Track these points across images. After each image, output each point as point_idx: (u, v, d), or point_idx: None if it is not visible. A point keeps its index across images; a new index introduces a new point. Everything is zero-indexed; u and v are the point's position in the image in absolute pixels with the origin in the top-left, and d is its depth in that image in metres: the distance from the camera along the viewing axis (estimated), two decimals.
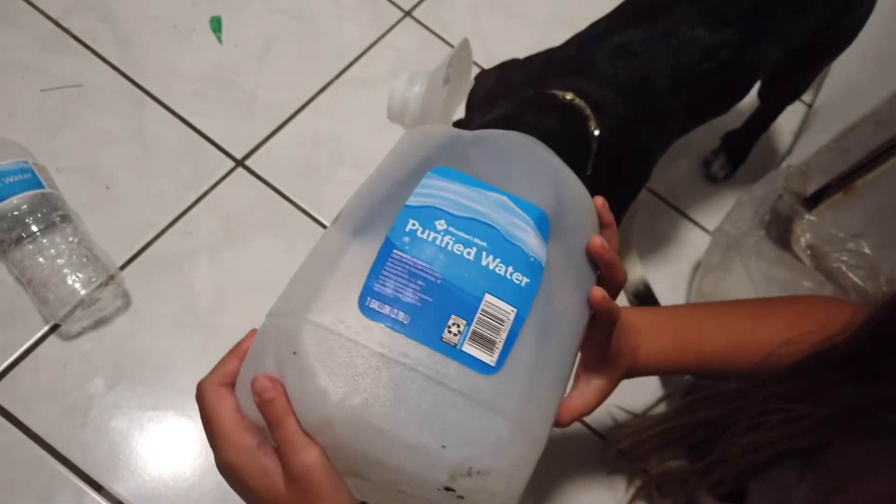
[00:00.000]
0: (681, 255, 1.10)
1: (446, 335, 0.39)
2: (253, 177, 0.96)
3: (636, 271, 1.04)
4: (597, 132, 0.67)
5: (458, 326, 0.39)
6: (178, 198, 0.91)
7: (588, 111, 0.67)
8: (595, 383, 0.54)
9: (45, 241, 0.78)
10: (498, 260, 0.41)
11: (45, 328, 0.80)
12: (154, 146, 0.94)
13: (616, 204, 0.81)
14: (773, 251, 1.03)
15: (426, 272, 0.40)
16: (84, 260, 0.80)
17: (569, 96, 0.68)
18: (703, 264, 1.04)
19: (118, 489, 0.74)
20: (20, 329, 0.80)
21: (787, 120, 1.21)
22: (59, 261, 0.78)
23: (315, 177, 0.98)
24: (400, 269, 0.40)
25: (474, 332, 0.39)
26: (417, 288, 0.40)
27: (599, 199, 0.50)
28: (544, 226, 0.44)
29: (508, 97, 0.70)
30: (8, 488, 0.73)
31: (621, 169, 0.73)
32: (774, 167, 1.10)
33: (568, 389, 0.49)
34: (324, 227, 0.95)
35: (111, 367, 0.80)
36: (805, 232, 1.03)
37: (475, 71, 0.91)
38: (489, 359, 0.39)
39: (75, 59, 0.97)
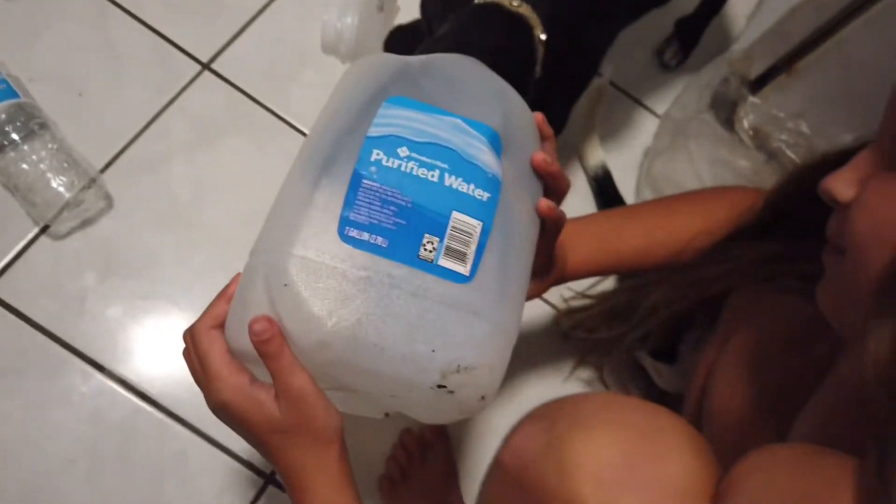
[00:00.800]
0: (636, 140, 1.15)
1: (422, 253, 0.44)
2: (220, 80, 0.99)
3: (597, 156, 1.10)
4: (543, 37, 0.69)
5: (433, 244, 0.44)
6: (150, 103, 0.95)
7: (533, 18, 0.68)
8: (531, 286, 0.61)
9: (26, 147, 0.83)
10: (460, 179, 0.45)
11: (36, 230, 0.87)
12: (122, 53, 0.97)
13: (566, 99, 0.86)
14: (714, 133, 1.10)
15: (396, 197, 0.44)
16: (65, 165, 0.85)
17: (515, 3, 0.67)
18: (651, 149, 1.10)
19: (119, 369, 0.83)
20: (13, 231, 0.86)
21: (742, 4, 1.24)
22: (41, 166, 0.83)
23: (281, 78, 1.02)
24: (372, 197, 0.44)
25: (447, 247, 0.44)
26: (390, 213, 0.44)
27: (539, 115, 0.54)
28: (496, 143, 0.47)
29: (457, 6, 0.73)
30: (19, 374, 0.81)
31: (568, 66, 0.77)
32: (727, 52, 1.14)
33: None
34: (292, 126, 1.00)
35: (101, 262, 0.87)
36: (748, 114, 1.09)
37: None
38: (463, 269, 0.44)
39: None
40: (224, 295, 0.48)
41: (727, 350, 0.66)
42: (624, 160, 1.13)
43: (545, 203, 0.50)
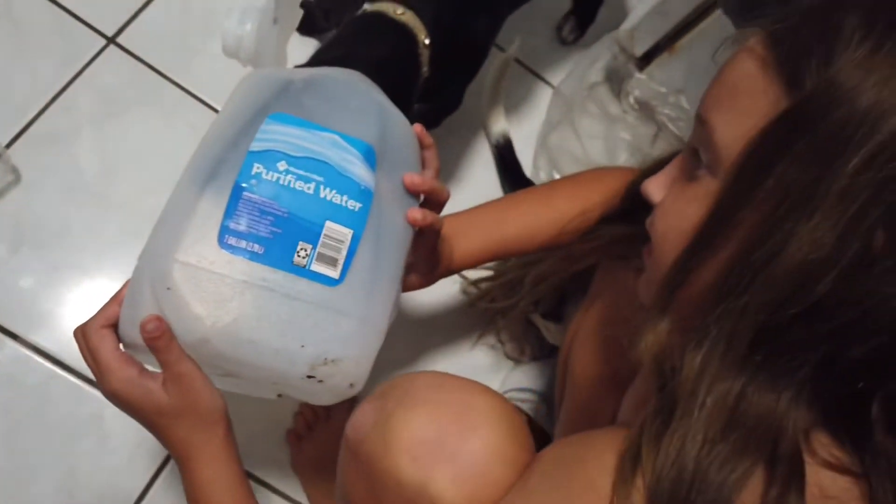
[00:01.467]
0: (535, 112, 1.22)
1: (296, 259, 0.49)
2: (125, 53, 1.01)
3: (500, 125, 1.17)
4: (427, 41, 0.71)
5: (306, 251, 0.50)
6: (55, 76, 0.97)
7: (417, 25, 0.70)
8: (416, 280, 0.66)
9: None
10: (334, 191, 0.50)
11: None
12: (25, 27, 0.98)
13: (459, 81, 0.91)
14: (605, 108, 1.18)
15: (274, 208, 0.49)
16: None
17: (399, 11, 0.69)
18: (546, 121, 1.18)
19: (33, 337, 0.87)
20: None
21: None
22: None
23: (187, 50, 1.05)
24: (251, 207, 0.49)
25: (319, 254, 0.50)
26: (268, 222, 0.49)
27: (418, 127, 0.59)
28: (371, 157, 0.52)
29: (344, 14, 0.75)
30: None
31: (458, 56, 0.81)
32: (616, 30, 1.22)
33: None
34: (198, 99, 1.03)
35: (11, 234, 0.90)
36: (634, 89, 1.18)
37: None
38: (333, 273, 0.50)
39: None
40: (115, 298, 0.53)
41: (588, 317, 0.75)
42: (524, 131, 1.20)
43: (414, 213, 0.55)
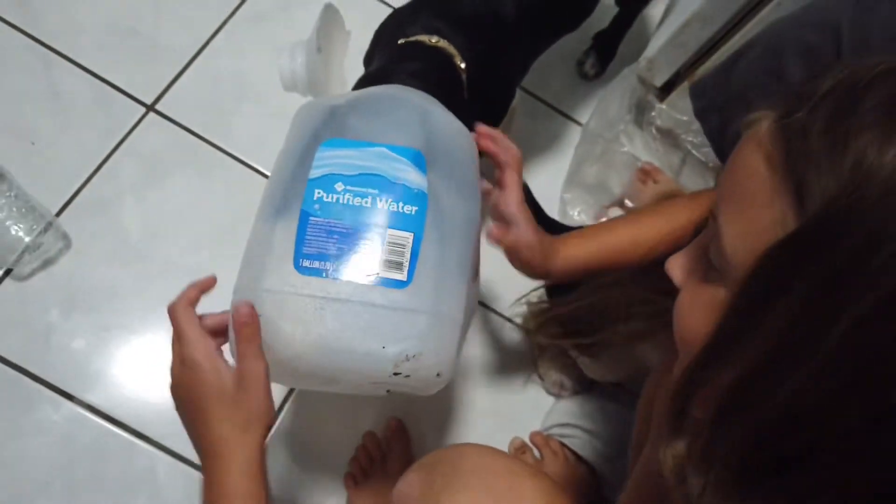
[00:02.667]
0: (561, 149, 1.24)
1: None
2: (164, 119, 1.07)
3: None
4: (463, 65, 0.74)
5: None
6: (99, 146, 1.02)
7: (452, 50, 0.74)
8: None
9: None
10: (390, 200, 0.54)
11: (0, 273, 0.93)
12: (68, 101, 1.04)
13: (489, 124, 0.93)
14: (633, 139, 1.19)
15: (338, 227, 0.53)
16: (23, 211, 0.92)
17: (433, 40, 0.74)
18: (574, 158, 1.19)
19: (87, 396, 0.90)
20: None
21: (654, 19, 1.33)
22: (0, 215, 0.90)
23: (222, 112, 1.10)
24: (318, 230, 0.53)
25: (385, 261, 0.53)
26: (335, 241, 0.53)
27: (482, 127, 0.63)
28: (420, 161, 0.55)
29: (384, 49, 0.79)
30: None
31: (488, 95, 0.84)
32: (635, 63, 1.24)
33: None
34: (234, 158, 1.07)
35: (63, 298, 0.94)
36: (656, 119, 1.19)
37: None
38: (401, 276, 0.53)
39: None
40: (197, 284, 0.61)
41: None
42: (549, 169, 1.22)
43: (494, 234, 0.61)
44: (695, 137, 1.19)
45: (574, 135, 1.24)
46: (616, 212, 1.20)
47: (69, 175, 1.00)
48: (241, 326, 0.53)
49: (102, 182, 1.01)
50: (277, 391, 0.97)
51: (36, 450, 0.87)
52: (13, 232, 0.90)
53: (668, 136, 1.23)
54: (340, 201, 0.53)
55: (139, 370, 0.93)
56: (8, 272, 0.93)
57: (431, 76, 0.69)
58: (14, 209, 0.92)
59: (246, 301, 0.54)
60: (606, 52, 1.27)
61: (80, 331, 0.93)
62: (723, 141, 0.80)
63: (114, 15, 1.10)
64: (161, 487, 0.88)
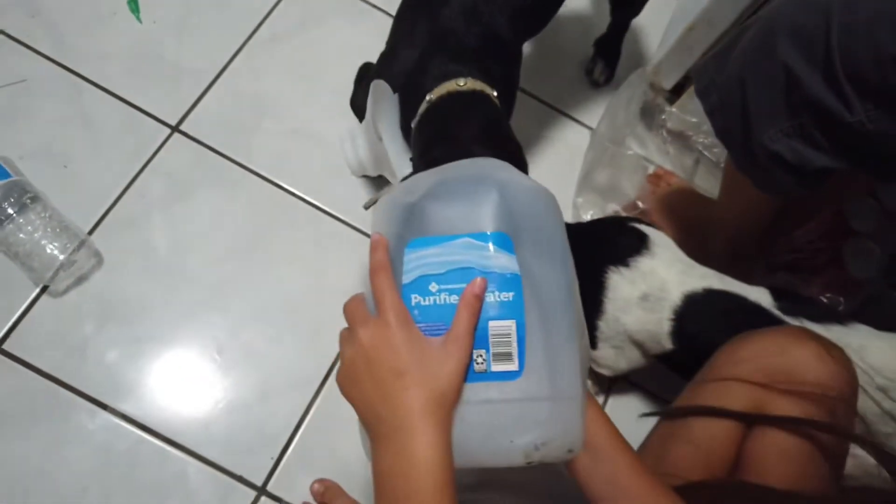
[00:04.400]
0: (572, 154, 1.26)
1: (476, 367, 0.51)
2: (189, 139, 1.11)
3: None
4: (495, 93, 0.73)
5: (482, 356, 0.51)
6: (127, 167, 1.07)
7: (483, 86, 0.72)
8: None
9: (21, 220, 0.95)
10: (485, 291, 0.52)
11: (37, 290, 0.98)
12: (98, 124, 1.09)
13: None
14: (644, 142, 1.21)
15: (441, 328, 0.51)
16: (57, 231, 0.97)
17: (462, 83, 0.71)
18: (585, 162, 1.21)
19: (121, 406, 0.94)
20: (17, 294, 0.97)
21: (658, 24, 1.35)
22: (36, 234, 0.95)
23: (243, 131, 1.14)
24: (425, 336, 0.53)
25: (494, 354, 0.51)
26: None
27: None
28: (506, 242, 0.53)
29: (413, 107, 0.74)
30: (34, 418, 0.92)
31: (507, 107, 0.83)
32: (642, 68, 1.26)
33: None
34: (256, 174, 1.11)
35: (97, 313, 0.98)
36: (666, 121, 1.21)
37: None
38: (512, 367, 0.51)
39: (15, 56, 1.10)
40: (379, 244, 0.55)
41: None
42: (562, 172, 1.24)
43: None
44: (705, 138, 1.20)
45: (584, 140, 1.26)
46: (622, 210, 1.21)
47: (100, 195, 1.05)
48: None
49: (131, 201, 1.05)
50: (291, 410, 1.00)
51: (73, 458, 0.91)
52: (48, 251, 0.95)
53: (680, 139, 1.25)
54: (437, 302, 0.52)
55: (170, 379, 0.97)
56: (44, 289, 0.98)
57: (485, 131, 0.67)
58: (49, 229, 0.97)
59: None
60: (611, 56, 1.29)
61: (114, 343, 0.97)
62: (722, 119, 0.83)
63: (139, 41, 1.16)
64: (192, 492, 0.92)
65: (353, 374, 0.52)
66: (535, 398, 0.51)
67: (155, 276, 1.02)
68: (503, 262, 0.52)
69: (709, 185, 1.30)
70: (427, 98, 0.71)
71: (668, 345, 0.89)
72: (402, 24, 0.85)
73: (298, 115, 1.18)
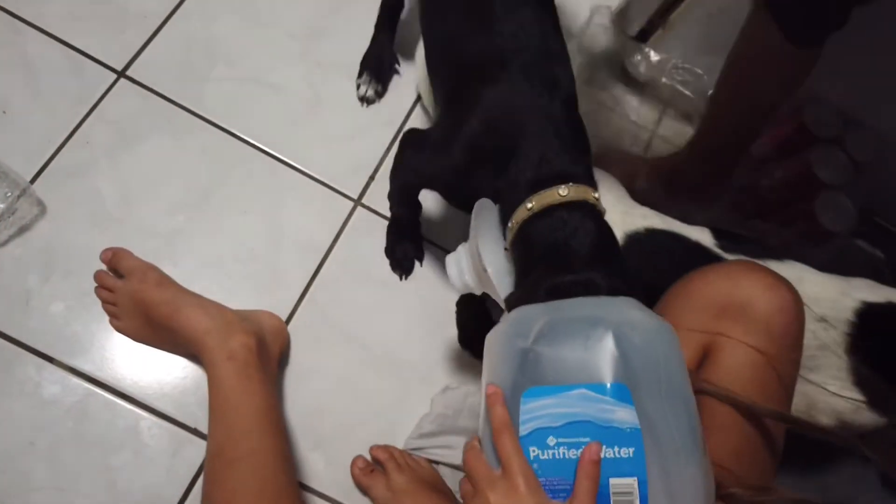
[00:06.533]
0: None
1: None
2: (136, 85, 1.06)
3: None
4: (596, 195, 0.65)
5: None
6: (71, 113, 1.02)
7: (588, 193, 0.64)
8: None
9: None
10: (604, 447, 0.50)
11: None
12: (39, 69, 1.04)
13: None
14: (602, 94, 1.19)
15: (560, 484, 0.50)
16: None
17: (563, 192, 0.63)
18: None
19: (69, 360, 0.91)
20: None
21: None
22: None
23: (195, 77, 1.09)
24: (546, 491, 0.50)
25: None
26: (563, 499, 0.50)
27: None
28: (624, 394, 0.51)
29: (508, 212, 0.66)
30: None
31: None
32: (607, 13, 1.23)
33: None
34: (208, 122, 1.07)
35: (41, 264, 0.95)
36: (639, 65, 1.18)
37: None
38: None
39: None
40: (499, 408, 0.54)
41: None
42: None
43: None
44: (680, 75, 1.18)
45: None
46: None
47: (42, 142, 1.00)
48: None
49: (76, 148, 1.01)
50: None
51: (19, 412, 0.88)
52: None
53: (651, 84, 1.23)
54: (556, 456, 0.51)
55: (117, 333, 0.94)
56: None
57: (595, 250, 0.60)
58: None
59: None
60: None
61: (59, 295, 0.94)
62: None
63: None
64: (144, 446, 0.89)
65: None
66: None
67: (102, 226, 0.98)
68: (622, 415, 0.50)
69: (674, 133, 1.29)
70: (527, 206, 0.63)
71: None
72: (457, 81, 0.75)
73: (253, 62, 1.14)
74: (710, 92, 1.12)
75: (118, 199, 1.00)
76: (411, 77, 1.19)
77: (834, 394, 0.84)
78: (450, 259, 0.74)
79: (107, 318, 0.94)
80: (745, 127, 0.94)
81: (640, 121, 1.23)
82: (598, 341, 0.52)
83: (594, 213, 0.63)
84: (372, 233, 1.08)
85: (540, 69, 0.70)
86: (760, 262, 0.85)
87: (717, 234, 0.90)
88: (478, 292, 0.73)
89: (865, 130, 1.16)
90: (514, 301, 0.61)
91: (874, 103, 1.16)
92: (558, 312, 0.55)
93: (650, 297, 0.78)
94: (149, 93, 1.07)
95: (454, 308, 1.06)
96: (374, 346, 1.02)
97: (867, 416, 0.85)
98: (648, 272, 0.83)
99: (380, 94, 1.16)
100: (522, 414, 0.52)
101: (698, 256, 0.87)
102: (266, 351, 0.89)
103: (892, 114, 1.16)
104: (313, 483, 0.93)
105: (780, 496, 0.61)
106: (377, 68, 1.15)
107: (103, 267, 0.95)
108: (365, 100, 1.15)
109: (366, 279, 1.06)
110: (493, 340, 0.57)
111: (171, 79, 1.08)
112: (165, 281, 0.92)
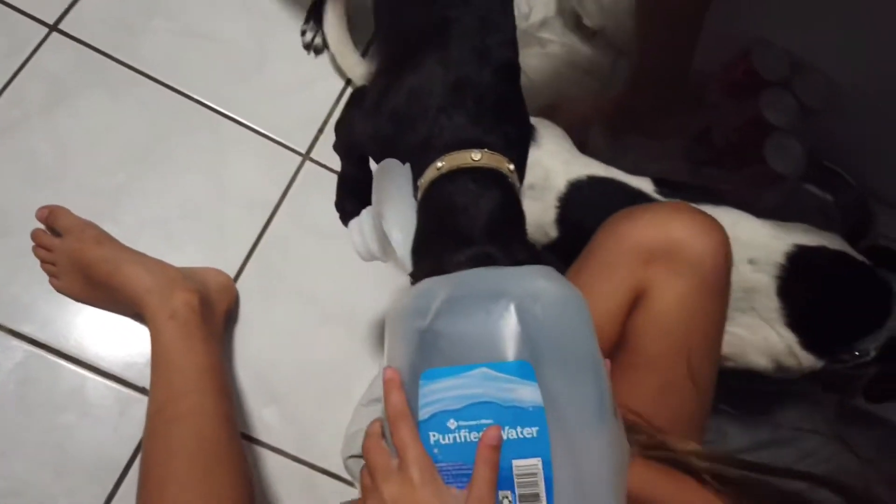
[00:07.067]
0: None
1: None
2: (69, 39, 1.02)
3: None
4: (511, 166, 0.61)
5: (508, 498, 0.47)
6: (1, 69, 0.98)
7: (500, 162, 0.60)
8: None
9: None
10: (506, 427, 0.48)
11: None
12: None
13: None
14: (553, 43, 1.18)
15: (463, 469, 0.48)
16: None
17: (476, 157, 0.59)
18: None
19: (6, 321, 0.89)
20: None
21: None
22: None
23: (131, 30, 1.06)
24: (445, 476, 0.49)
25: (520, 496, 0.47)
26: (464, 485, 0.47)
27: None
28: (527, 371, 0.48)
29: (416, 174, 0.63)
30: None
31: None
32: None
33: None
34: (146, 76, 1.04)
35: None
36: (592, 13, 1.17)
37: None
38: None
39: None
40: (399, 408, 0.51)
41: None
42: None
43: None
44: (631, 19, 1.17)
45: None
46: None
47: None
48: None
49: (7, 106, 0.97)
50: None
51: None
52: None
53: (598, 38, 1.22)
54: (458, 440, 0.48)
55: (57, 294, 0.91)
56: None
57: (499, 223, 0.57)
58: None
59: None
60: None
61: None
62: None
63: None
64: (90, 406, 0.88)
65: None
66: None
67: (38, 185, 0.95)
68: (524, 393, 0.48)
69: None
70: (437, 166, 0.60)
71: (553, 233, 0.90)
72: (399, 46, 0.73)
73: (194, 13, 1.10)
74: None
75: (55, 157, 0.97)
76: (361, 24, 1.16)
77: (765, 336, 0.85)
78: (352, 225, 0.71)
79: (46, 278, 0.91)
80: (676, 43, 0.93)
81: (593, 69, 1.21)
82: (500, 317, 0.49)
83: (505, 183, 0.59)
84: (321, 187, 1.07)
85: (475, 38, 0.68)
86: (698, 206, 0.86)
87: (658, 181, 0.91)
88: (384, 261, 0.70)
89: (815, 74, 1.16)
90: (415, 274, 0.58)
91: (823, 47, 1.16)
92: (459, 287, 0.52)
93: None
94: (83, 47, 1.03)
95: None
96: (326, 302, 1.01)
97: (803, 357, 0.86)
98: (590, 219, 0.83)
99: (326, 44, 1.13)
100: (422, 398, 0.49)
101: (639, 202, 0.88)
102: (210, 308, 0.87)
103: (841, 58, 1.16)
104: (267, 438, 0.93)
105: (681, 450, 0.61)
106: (323, 15, 1.12)
107: (40, 226, 0.92)
108: (311, 48, 1.12)
109: (316, 234, 1.04)
110: (393, 319, 0.55)
111: (106, 32, 1.04)
112: (105, 238, 0.90)
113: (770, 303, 0.85)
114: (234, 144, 1.05)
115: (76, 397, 0.88)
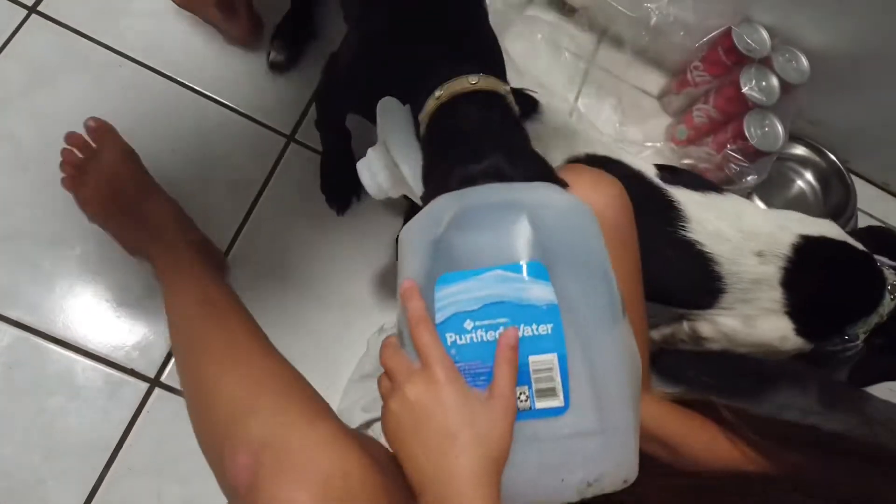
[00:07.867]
0: None
1: (520, 405, 0.49)
2: (49, 21, 1.01)
3: None
4: (507, 87, 0.64)
5: (525, 393, 0.49)
6: None
7: (496, 84, 0.63)
8: None
9: None
10: (522, 325, 0.49)
11: None
12: None
13: None
14: (540, 22, 1.18)
15: (480, 368, 0.49)
16: None
17: (473, 80, 0.61)
18: None
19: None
20: None
21: None
22: None
23: (111, 11, 1.05)
24: (464, 376, 0.49)
25: (537, 391, 0.49)
26: (482, 383, 0.49)
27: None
28: (540, 271, 0.50)
29: (417, 105, 0.65)
30: None
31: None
32: None
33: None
34: (127, 57, 1.03)
35: None
36: None
37: None
38: (557, 402, 0.49)
39: None
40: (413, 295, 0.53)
41: None
42: None
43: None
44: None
45: None
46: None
47: None
48: None
49: None
50: None
51: None
52: None
53: (582, 17, 1.22)
54: (474, 340, 0.50)
55: (48, 277, 0.91)
56: None
57: (505, 139, 0.59)
58: None
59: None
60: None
61: None
62: None
63: None
64: (79, 388, 0.88)
65: (398, 433, 0.50)
66: (583, 433, 0.49)
67: (20, 169, 0.94)
68: (538, 292, 0.49)
69: (609, 63, 1.28)
70: (436, 95, 0.62)
71: None
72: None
73: None
74: None
75: (36, 141, 0.96)
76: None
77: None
78: (361, 165, 0.73)
79: (30, 263, 0.91)
80: None
81: (576, 50, 1.22)
82: (512, 224, 0.51)
83: (504, 103, 0.62)
84: (306, 169, 1.07)
85: None
86: (701, 194, 0.89)
87: (660, 167, 0.92)
88: (395, 195, 0.72)
89: (794, 51, 1.18)
90: (426, 196, 0.60)
91: (804, 25, 1.17)
92: (470, 199, 0.53)
93: None
94: (62, 29, 1.02)
95: (393, 242, 1.06)
96: (313, 282, 1.02)
97: (795, 342, 0.88)
98: None
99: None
100: (438, 301, 0.51)
101: (638, 184, 0.88)
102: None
103: (821, 36, 1.17)
104: None
105: None
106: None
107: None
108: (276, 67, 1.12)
109: (302, 216, 1.04)
110: (407, 235, 0.57)
111: (86, 13, 1.03)
112: (143, 168, 0.93)
113: (773, 293, 0.86)
114: (219, 126, 1.05)
115: (64, 380, 0.88)
